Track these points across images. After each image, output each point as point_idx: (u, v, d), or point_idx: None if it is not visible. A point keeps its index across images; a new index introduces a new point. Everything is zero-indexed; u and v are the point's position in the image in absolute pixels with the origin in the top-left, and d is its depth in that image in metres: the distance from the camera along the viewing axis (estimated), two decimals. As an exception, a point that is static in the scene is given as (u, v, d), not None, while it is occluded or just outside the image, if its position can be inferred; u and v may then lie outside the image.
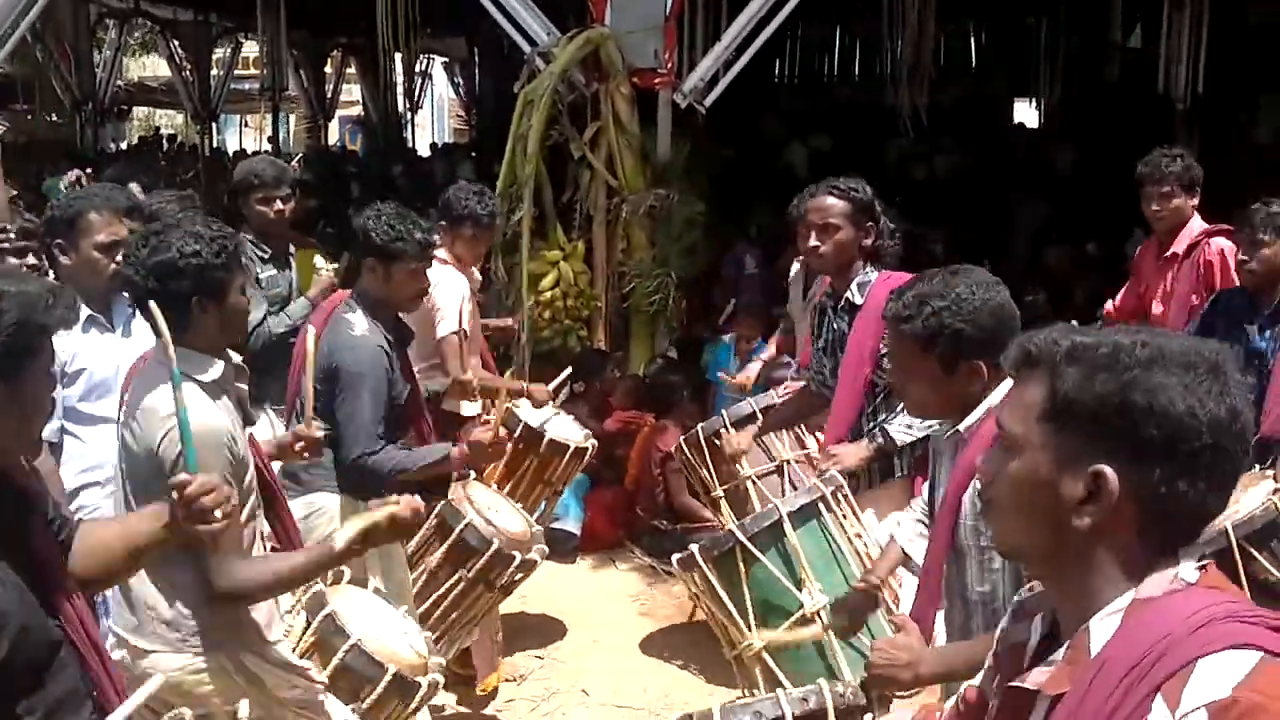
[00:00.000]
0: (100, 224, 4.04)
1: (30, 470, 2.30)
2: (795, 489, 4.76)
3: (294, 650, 3.19)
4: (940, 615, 2.94)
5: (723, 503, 5.18)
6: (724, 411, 5.37)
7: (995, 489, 1.59)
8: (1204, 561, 1.51)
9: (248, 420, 3.18)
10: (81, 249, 4.04)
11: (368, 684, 3.24)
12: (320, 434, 3.65)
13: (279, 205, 5.44)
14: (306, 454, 3.64)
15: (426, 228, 4.22)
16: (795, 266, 6.32)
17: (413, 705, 3.34)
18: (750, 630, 3.69)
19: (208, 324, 2.97)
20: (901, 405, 3.81)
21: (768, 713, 2.58)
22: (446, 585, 4.23)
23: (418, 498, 3.00)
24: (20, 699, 2.02)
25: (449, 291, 5.27)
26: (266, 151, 19.57)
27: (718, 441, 5.16)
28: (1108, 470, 1.45)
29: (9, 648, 1.98)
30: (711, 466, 5.22)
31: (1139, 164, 5.74)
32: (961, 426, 2.76)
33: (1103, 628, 1.47)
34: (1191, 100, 9.42)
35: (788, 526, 3.69)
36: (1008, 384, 2.73)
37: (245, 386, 3.16)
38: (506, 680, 5.27)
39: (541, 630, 5.77)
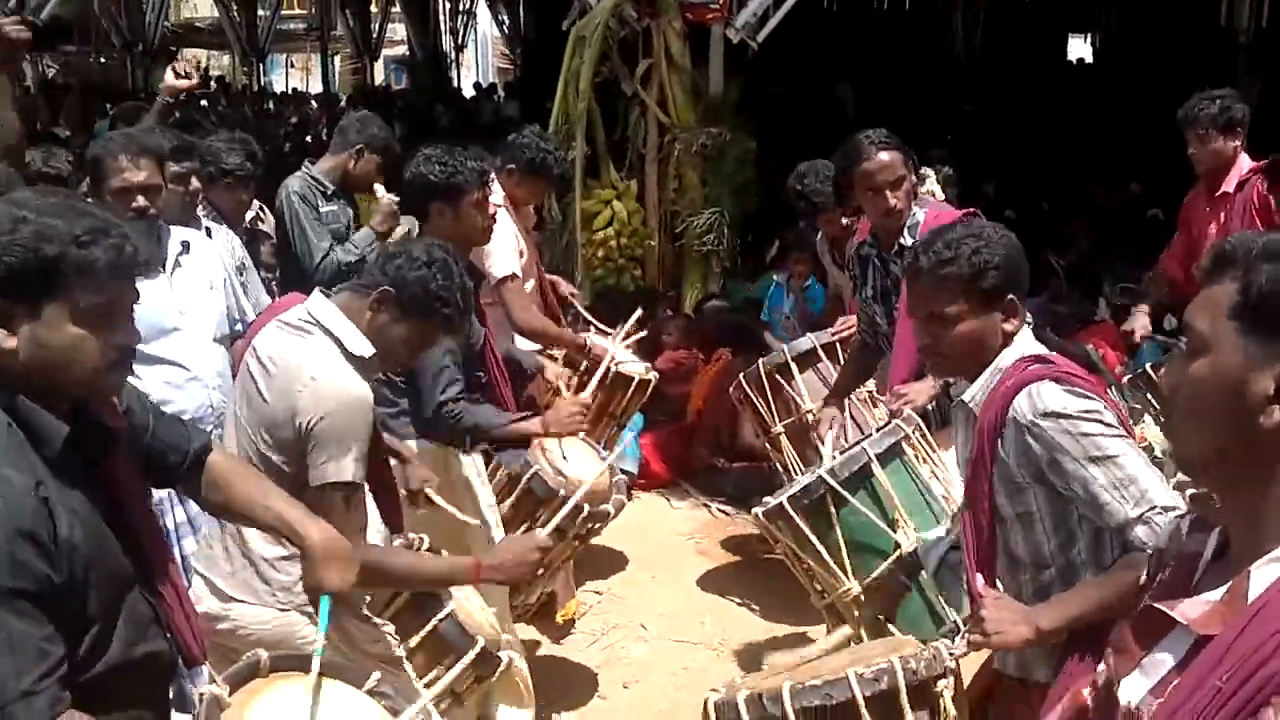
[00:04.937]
0: (115, 169, 3.98)
1: (116, 406, 2.32)
2: (856, 423, 4.75)
3: (385, 611, 3.23)
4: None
5: (783, 439, 5.15)
6: (784, 346, 5.33)
7: (1177, 396, 1.55)
8: None
9: None
10: (102, 193, 4.01)
11: (453, 653, 3.18)
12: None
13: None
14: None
15: (476, 155, 4.22)
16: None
17: (489, 679, 3.29)
18: (847, 576, 3.64)
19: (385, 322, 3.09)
20: None
21: (838, 695, 2.49)
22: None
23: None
24: (88, 627, 2.05)
25: (500, 234, 5.23)
26: (319, 93, 19.52)
27: (779, 378, 5.14)
28: None
29: (79, 579, 2.01)
30: (771, 403, 5.19)
31: (1178, 110, 5.63)
32: (966, 397, 2.75)
33: (1263, 575, 1.42)
34: (1255, 33, 9.21)
35: (876, 467, 3.62)
36: (1025, 335, 2.75)
37: None
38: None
39: (600, 566, 5.82)
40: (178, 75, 5.19)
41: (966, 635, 2.65)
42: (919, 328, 2.79)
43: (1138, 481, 2.52)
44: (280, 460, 2.97)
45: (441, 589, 3.23)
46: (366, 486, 3.09)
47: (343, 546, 2.51)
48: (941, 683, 2.57)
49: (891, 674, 2.51)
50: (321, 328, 3.02)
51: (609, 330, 5.72)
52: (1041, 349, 2.77)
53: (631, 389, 5.13)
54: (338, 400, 2.92)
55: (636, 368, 5.24)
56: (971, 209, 4.44)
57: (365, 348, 3.03)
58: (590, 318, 5.54)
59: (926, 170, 5.84)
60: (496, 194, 5.23)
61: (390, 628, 3.15)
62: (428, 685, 3.14)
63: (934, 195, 6.15)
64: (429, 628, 3.15)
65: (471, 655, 3.19)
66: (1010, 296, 2.71)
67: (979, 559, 2.74)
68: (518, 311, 5.01)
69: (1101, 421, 2.57)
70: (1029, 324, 4.06)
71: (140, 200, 3.99)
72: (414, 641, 3.17)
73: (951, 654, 2.61)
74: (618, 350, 5.14)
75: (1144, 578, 1.73)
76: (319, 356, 2.97)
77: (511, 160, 5.23)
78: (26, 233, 1.98)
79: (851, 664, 2.59)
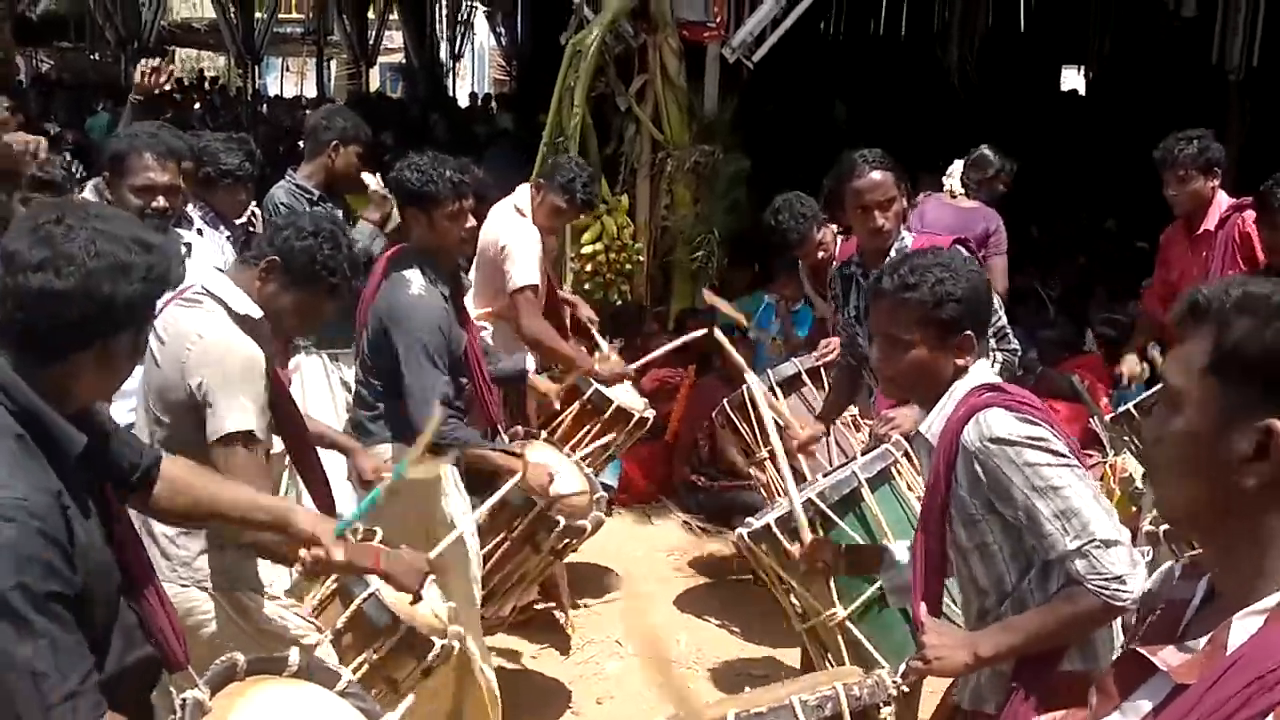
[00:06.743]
0: (140, 166, 4.00)
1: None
2: (841, 449, 4.75)
3: (316, 597, 3.29)
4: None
5: (768, 463, 5.14)
6: (769, 371, 5.33)
7: (1157, 450, 1.53)
8: None
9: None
10: (120, 189, 4.02)
11: (380, 636, 3.18)
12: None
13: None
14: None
15: (458, 167, 4.19)
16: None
17: (426, 664, 3.27)
18: (834, 601, 3.55)
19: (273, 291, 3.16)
20: None
21: None
22: (491, 545, 4.20)
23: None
24: (93, 635, 2.04)
25: (526, 243, 5.20)
26: (314, 98, 19.55)
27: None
28: (1279, 424, 1.37)
29: (91, 587, 2.02)
30: (756, 426, 5.18)
31: (1155, 150, 5.65)
32: (923, 428, 2.75)
33: (1243, 627, 1.40)
34: (1245, 72, 9.26)
35: (866, 492, 3.61)
36: (981, 366, 2.75)
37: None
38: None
39: (577, 581, 5.80)
40: (144, 76, 5.15)
41: (908, 662, 2.67)
42: (876, 345, 2.81)
43: (1080, 514, 2.51)
44: (170, 423, 3.05)
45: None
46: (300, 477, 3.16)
47: (331, 521, 2.60)
48: (885, 710, 2.58)
49: (835, 700, 2.52)
50: (211, 296, 3.10)
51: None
52: (996, 379, 2.76)
53: (630, 425, 5.20)
54: (225, 353, 3.02)
55: (636, 404, 5.27)
56: (963, 236, 4.46)
57: (252, 309, 3.11)
58: (600, 340, 5.62)
59: (957, 164, 5.88)
60: (524, 200, 5.27)
61: (303, 609, 3.22)
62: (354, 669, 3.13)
63: (952, 193, 6.20)
64: (353, 608, 3.18)
65: (397, 637, 3.18)
66: (968, 331, 2.70)
67: (925, 588, 2.74)
68: (526, 319, 5.04)
69: (1049, 450, 2.56)
70: (1016, 353, 4.13)
71: (161, 200, 4.01)
72: (340, 623, 3.19)
73: (895, 682, 2.62)
74: (621, 394, 5.19)
75: (1131, 620, 1.73)
76: (206, 319, 3.07)
77: (543, 175, 5.27)
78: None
79: (798, 691, 2.60)
